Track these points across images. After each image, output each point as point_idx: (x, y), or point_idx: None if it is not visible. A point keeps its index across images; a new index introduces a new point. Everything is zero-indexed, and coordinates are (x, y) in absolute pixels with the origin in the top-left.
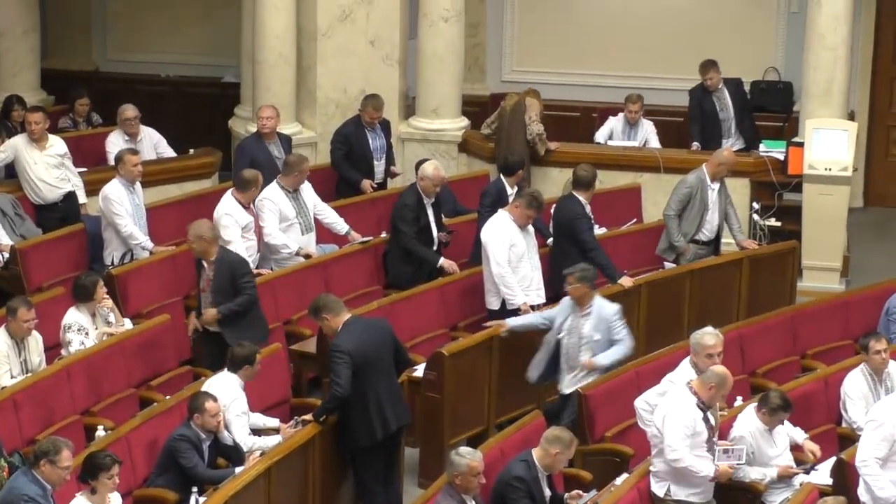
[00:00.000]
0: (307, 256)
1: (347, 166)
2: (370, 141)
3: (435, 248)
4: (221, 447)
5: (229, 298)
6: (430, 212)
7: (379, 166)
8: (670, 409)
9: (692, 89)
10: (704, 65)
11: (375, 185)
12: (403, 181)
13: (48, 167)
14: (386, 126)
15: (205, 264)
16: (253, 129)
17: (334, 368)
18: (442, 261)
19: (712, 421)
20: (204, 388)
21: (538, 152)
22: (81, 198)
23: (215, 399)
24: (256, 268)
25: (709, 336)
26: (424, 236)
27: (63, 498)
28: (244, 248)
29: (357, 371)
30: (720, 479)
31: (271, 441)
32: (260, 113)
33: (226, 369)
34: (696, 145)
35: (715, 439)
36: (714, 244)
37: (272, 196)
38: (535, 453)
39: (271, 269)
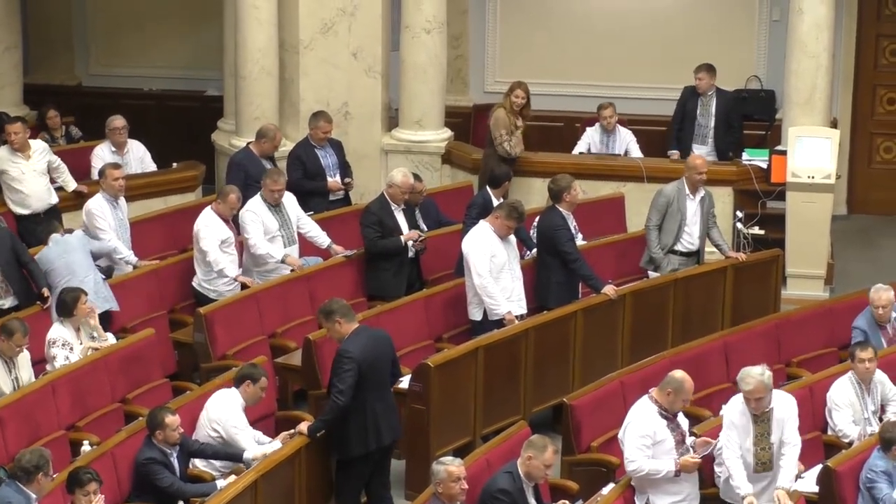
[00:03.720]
0: (292, 265)
1: (307, 181)
2: (321, 159)
3: (411, 255)
4: (193, 450)
5: (19, 271)
6: (399, 217)
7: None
8: (630, 422)
9: (684, 88)
10: (699, 67)
11: (342, 185)
12: None
13: (36, 175)
14: (336, 145)
15: None
16: (237, 142)
17: (340, 374)
18: (403, 237)
19: (683, 426)
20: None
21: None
22: (70, 185)
23: (173, 412)
24: None
25: (747, 381)
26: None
27: None
28: (227, 260)
29: (359, 380)
30: (686, 471)
31: (276, 446)
32: (280, 136)
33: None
34: (672, 153)
35: (689, 441)
36: (696, 256)
37: (255, 209)
38: (519, 464)
39: (255, 282)
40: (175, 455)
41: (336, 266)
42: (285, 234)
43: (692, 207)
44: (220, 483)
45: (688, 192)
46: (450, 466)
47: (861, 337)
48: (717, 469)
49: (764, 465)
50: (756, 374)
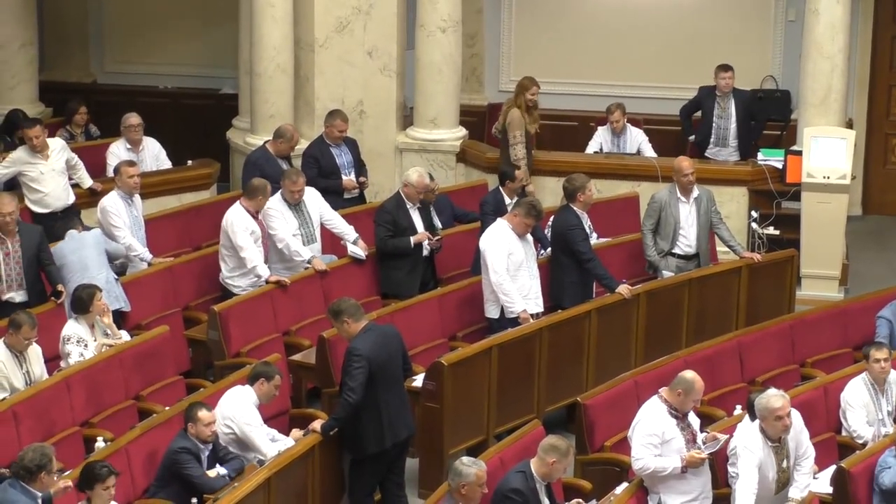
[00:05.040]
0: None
1: (321, 179)
2: (336, 157)
3: (426, 253)
4: (221, 455)
5: (37, 271)
6: (414, 216)
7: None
8: (639, 420)
9: (700, 88)
10: (726, 66)
11: (357, 183)
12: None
13: (55, 175)
14: (351, 144)
15: (6, 239)
16: (252, 140)
17: (350, 372)
18: (412, 238)
19: (694, 426)
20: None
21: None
22: (86, 182)
23: (209, 409)
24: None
25: (774, 399)
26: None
27: None
28: (261, 259)
29: (371, 378)
30: (691, 466)
31: (290, 443)
32: (298, 137)
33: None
34: (691, 138)
35: (699, 442)
36: (697, 258)
37: (276, 206)
38: (533, 463)
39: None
40: (206, 454)
41: (350, 264)
42: (304, 232)
43: (685, 210)
44: (221, 470)
45: (679, 195)
46: (479, 470)
47: (885, 326)
48: (730, 469)
49: (784, 484)
50: (776, 394)
